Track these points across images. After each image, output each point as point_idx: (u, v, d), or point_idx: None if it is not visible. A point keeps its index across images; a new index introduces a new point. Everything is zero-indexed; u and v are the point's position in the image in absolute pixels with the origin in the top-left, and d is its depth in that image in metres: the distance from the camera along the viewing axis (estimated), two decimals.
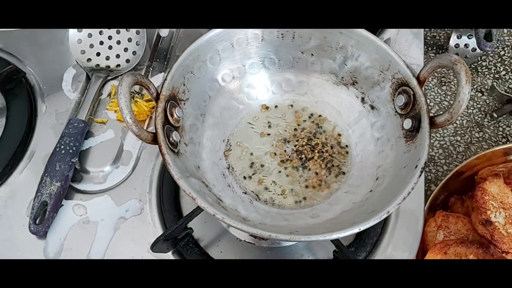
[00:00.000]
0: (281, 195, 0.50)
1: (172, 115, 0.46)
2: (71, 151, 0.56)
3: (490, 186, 0.58)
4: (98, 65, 0.64)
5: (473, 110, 0.74)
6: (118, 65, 0.64)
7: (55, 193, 0.54)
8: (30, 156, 0.59)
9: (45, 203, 0.54)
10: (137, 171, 0.58)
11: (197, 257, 0.52)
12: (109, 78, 0.64)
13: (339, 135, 0.54)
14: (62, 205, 0.56)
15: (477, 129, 0.72)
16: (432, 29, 0.81)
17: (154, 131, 0.44)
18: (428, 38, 0.80)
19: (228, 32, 0.50)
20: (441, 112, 0.45)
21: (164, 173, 0.57)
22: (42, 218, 0.53)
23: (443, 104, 0.74)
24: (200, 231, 0.55)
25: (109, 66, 0.64)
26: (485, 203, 0.56)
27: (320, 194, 0.50)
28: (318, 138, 0.54)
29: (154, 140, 0.44)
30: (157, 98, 0.45)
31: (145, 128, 0.59)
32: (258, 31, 0.51)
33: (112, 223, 0.55)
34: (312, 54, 0.54)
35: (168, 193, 0.56)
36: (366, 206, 0.45)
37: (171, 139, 0.45)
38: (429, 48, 0.79)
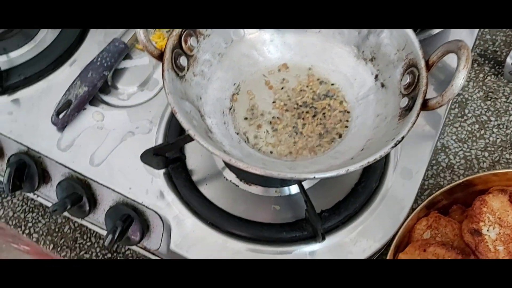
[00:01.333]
0: (270, 144, 0.52)
1: (186, 42, 0.50)
2: (105, 64, 0.62)
3: (492, 199, 0.56)
4: None
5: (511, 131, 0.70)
6: None
7: (81, 95, 0.60)
8: (73, 62, 0.66)
9: (70, 102, 0.60)
10: (158, 97, 0.63)
11: (183, 181, 0.56)
12: None
13: (345, 105, 0.54)
14: (85, 108, 0.62)
15: (510, 150, 0.68)
16: (495, 44, 0.77)
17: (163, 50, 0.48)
18: (489, 51, 0.77)
19: None
20: (435, 96, 0.44)
21: None
22: (64, 114, 0.60)
23: (482, 118, 0.71)
24: (195, 164, 0.58)
25: None
26: (480, 214, 0.54)
27: (306, 154, 0.52)
28: (324, 102, 0.55)
29: (160, 57, 0.48)
30: None
31: None
32: None
33: (122, 134, 0.60)
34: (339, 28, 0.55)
35: (176, 124, 0.60)
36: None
37: (178, 62, 0.49)
38: (486, 62, 0.76)
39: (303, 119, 0.54)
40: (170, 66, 0.47)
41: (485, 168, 0.67)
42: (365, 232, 0.53)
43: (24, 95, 0.63)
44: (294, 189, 0.55)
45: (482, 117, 0.71)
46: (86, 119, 0.61)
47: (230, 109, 0.55)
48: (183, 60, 0.50)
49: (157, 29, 0.68)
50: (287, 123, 0.54)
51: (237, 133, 0.53)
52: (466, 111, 0.72)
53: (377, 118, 0.51)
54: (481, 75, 0.75)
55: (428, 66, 0.46)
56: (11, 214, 0.67)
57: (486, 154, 0.68)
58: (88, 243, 0.65)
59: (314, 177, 0.41)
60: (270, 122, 0.54)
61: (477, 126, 0.71)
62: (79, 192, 0.56)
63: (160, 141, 0.59)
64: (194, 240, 0.53)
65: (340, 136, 0.52)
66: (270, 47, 0.57)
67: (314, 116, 0.54)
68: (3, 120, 0.61)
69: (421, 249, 0.55)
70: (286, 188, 0.55)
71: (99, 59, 0.63)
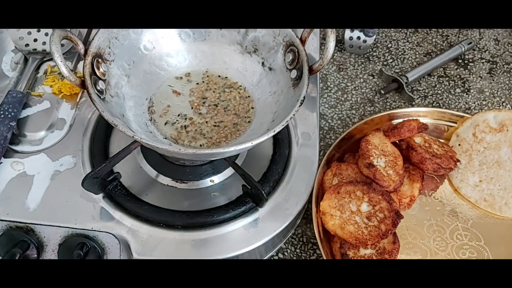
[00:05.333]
0: (196, 140, 0.60)
1: (98, 69, 0.56)
2: (9, 116, 0.64)
3: (373, 138, 0.71)
4: (35, 49, 0.72)
5: (365, 89, 0.87)
6: None
7: None
8: None
9: None
10: (71, 134, 0.66)
11: (125, 197, 0.60)
12: (45, 59, 0.72)
13: (246, 93, 0.65)
14: (1, 162, 0.62)
15: (369, 104, 0.86)
16: None
17: (83, 78, 0.53)
18: None
19: None
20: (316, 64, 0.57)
21: (95, 133, 0.65)
22: None
23: (341, 85, 0.87)
24: (129, 180, 0.62)
25: (45, 50, 0.73)
26: (368, 151, 0.68)
27: (228, 139, 0.60)
28: (229, 95, 0.64)
29: (82, 85, 0.52)
30: (85, 53, 0.55)
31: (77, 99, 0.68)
32: None
33: (48, 175, 0.62)
34: (221, 28, 0.65)
35: (98, 150, 0.64)
36: None
37: (97, 87, 0.54)
38: None
39: (216, 113, 0.63)
40: (94, 91, 0.52)
41: (356, 122, 0.83)
42: (292, 190, 0.63)
43: None
44: (227, 173, 0.63)
45: (341, 85, 0.88)
46: (7, 172, 0.61)
47: (151, 120, 0.61)
48: (101, 84, 0.55)
49: (50, 74, 0.71)
50: (204, 120, 0.62)
51: (165, 138, 0.60)
52: (329, 83, 0.88)
53: (275, 94, 0.62)
54: None
55: (302, 42, 0.59)
56: None
57: (354, 111, 0.85)
58: None
59: (251, 143, 0.50)
60: (189, 122, 0.61)
61: (340, 92, 0.87)
62: (25, 239, 0.57)
63: (88, 170, 0.62)
64: (154, 243, 0.58)
65: (250, 121, 0.62)
66: (167, 60, 0.65)
67: (225, 108, 0.63)
68: None
69: (335, 192, 0.67)
70: (219, 175, 0.63)
71: (1, 112, 0.63)
